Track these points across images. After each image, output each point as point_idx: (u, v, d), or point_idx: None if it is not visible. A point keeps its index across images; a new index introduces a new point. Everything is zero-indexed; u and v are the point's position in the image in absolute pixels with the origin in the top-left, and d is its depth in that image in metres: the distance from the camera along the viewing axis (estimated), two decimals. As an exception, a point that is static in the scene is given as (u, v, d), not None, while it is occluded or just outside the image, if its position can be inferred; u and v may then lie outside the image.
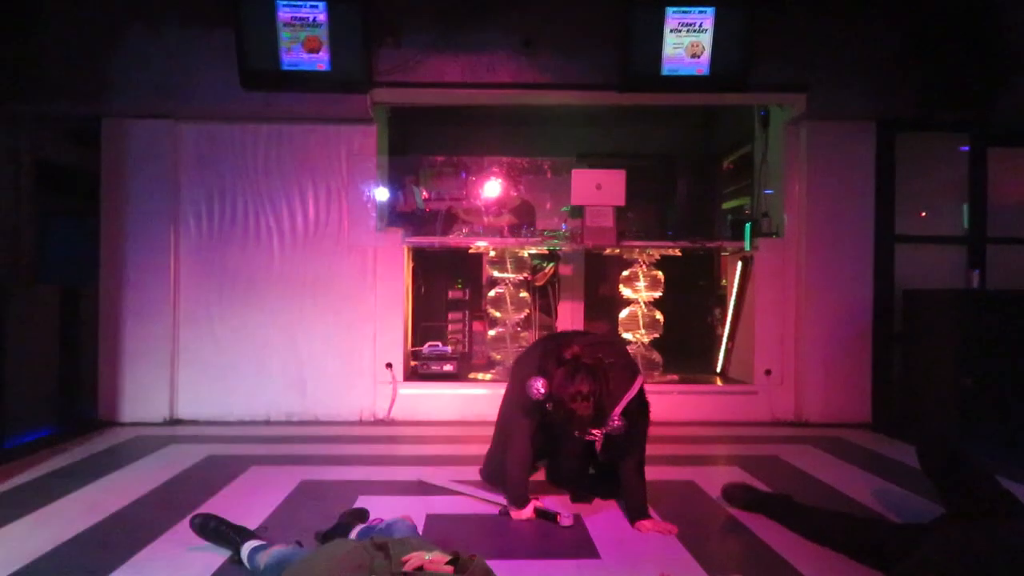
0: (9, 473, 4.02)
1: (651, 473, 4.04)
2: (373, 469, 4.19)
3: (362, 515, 3.05)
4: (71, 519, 3.23)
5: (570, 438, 3.25)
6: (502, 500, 3.45)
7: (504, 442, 3.50)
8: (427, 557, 2.03)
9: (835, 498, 3.65)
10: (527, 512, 3.31)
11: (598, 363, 3.10)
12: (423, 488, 3.78)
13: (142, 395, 5.48)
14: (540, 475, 3.87)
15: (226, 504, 3.49)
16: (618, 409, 3.14)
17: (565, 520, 3.22)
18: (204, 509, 3.34)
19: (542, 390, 3.13)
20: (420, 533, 2.92)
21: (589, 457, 3.57)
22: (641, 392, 3.31)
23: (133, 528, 3.13)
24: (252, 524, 3.07)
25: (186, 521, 2.95)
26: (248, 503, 3.49)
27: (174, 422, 5.48)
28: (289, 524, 3.19)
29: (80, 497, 3.60)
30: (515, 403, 3.43)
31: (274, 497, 3.60)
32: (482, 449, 3.88)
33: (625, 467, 3.35)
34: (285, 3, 5.21)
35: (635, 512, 3.27)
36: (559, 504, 3.47)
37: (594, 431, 3.15)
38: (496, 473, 3.63)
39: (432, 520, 3.26)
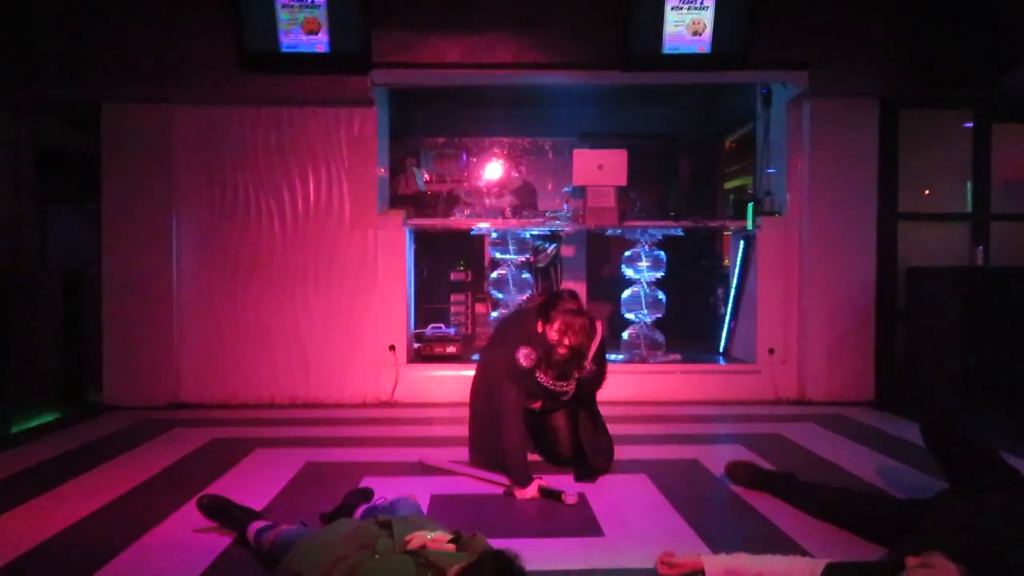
0: (15, 458, 4.04)
1: (655, 452, 4.11)
2: (377, 450, 4.20)
3: (367, 495, 3.06)
4: (77, 503, 3.24)
5: (551, 397, 3.58)
6: (503, 480, 3.46)
7: (494, 423, 3.57)
8: (429, 536, 2.04)
9: (838, 475, 3.66)
10: (532, 490, 3.33)
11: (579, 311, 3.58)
12: (425, 469, 3.79)
13: (146, 379, 5.49)
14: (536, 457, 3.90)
15: (231, 486, 3.50)
16: (590, 356, 3.57)
17: (570, 499, 3.23)
18: (210, 490, 3.35)
19: (532, 357, 3.48)
20: (424, 513, 2.93)
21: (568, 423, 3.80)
22: (604, 341, 3.73)
23: (139, 511, 3.15)
24: (258, 506, 3.08)
25: (192, 504, 2.96)
26: (253, 485, 3.51)
27: (178, 405, 5.50)
28: (294, 505, 3.20)
29: (85, 481, 3.61)
30: (502, 378, 3.57)
31: (279, 479, 3.62)
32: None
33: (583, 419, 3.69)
34: (283, -16, 5.18)
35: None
36: (561, 483, 3.48)
37: (567, 384, 3.53)
38: (488, 454, 3.66)
39: (436, 500, 3.27)
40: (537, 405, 3.72)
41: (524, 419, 3.63)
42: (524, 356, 3.49)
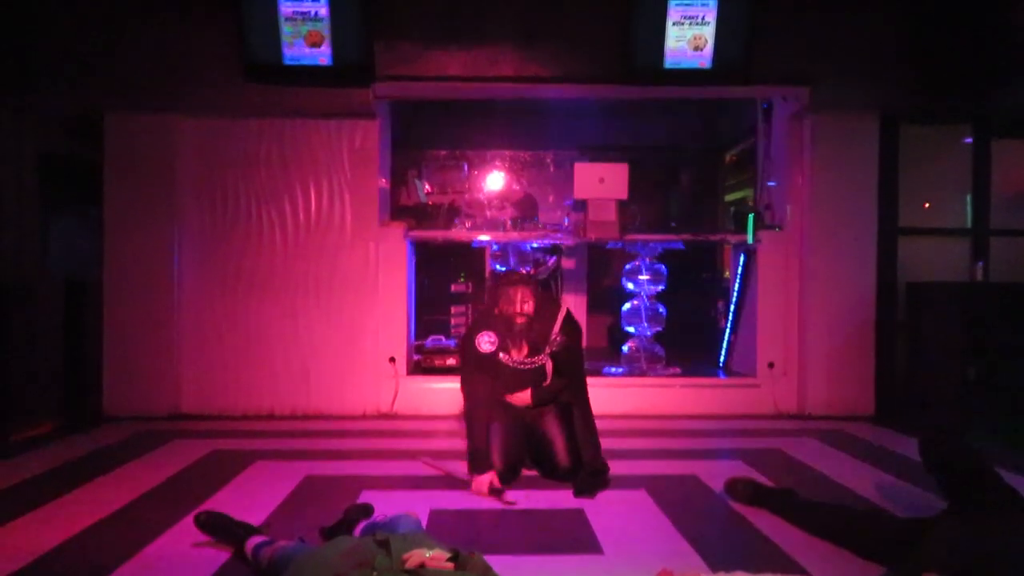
0: (15, 468, 4.03)
1: (654, 467, 4.11)
2: (377, 463, 4.20)
3: (367, 510, 3.05)
4: (75, 515, 3.24)
5: (526, 379, 3.81)
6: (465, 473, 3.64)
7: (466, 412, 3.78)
8: (428, 554, 2.04)
9: (838, 492, 3.66)
10: (487, 479, 3.50)
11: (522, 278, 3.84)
12: (425, 481, 3.79)
13: (146, 389, 5.49)
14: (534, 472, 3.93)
15: (231, 499, 3.50)
16: (556, 327, 3.78)
17: (510, 496, 3.41)
18: (209, 504, 3.36)
19: (493, 340, 3.74)
20: (424, 528, 2.93)
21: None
22: (569, 313, 3.89)
23: (138, 524, 3.14)
24: (257, 519, 3.09)
25: (191, 517, 2.96)
26: (253, 498, 3.51)
27: (178, 416, 5.50)
28: (293, 519, 3.20)
29: (84, 493, 3.61)
30: (467, 372, 3.82)
31: (279, 492, 3.61)
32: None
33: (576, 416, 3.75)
34: (287, -3, 5.21)
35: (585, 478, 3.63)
36: (559, 499, 3.48)
37: (538, 357, 3.78)
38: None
39: (435, 515, 3.27)
40: (526, 399, 3.85)
41: (516, 431, 3.77)
42: (484, 341, 3.74)
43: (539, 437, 3.87)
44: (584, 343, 4.17)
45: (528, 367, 3.84)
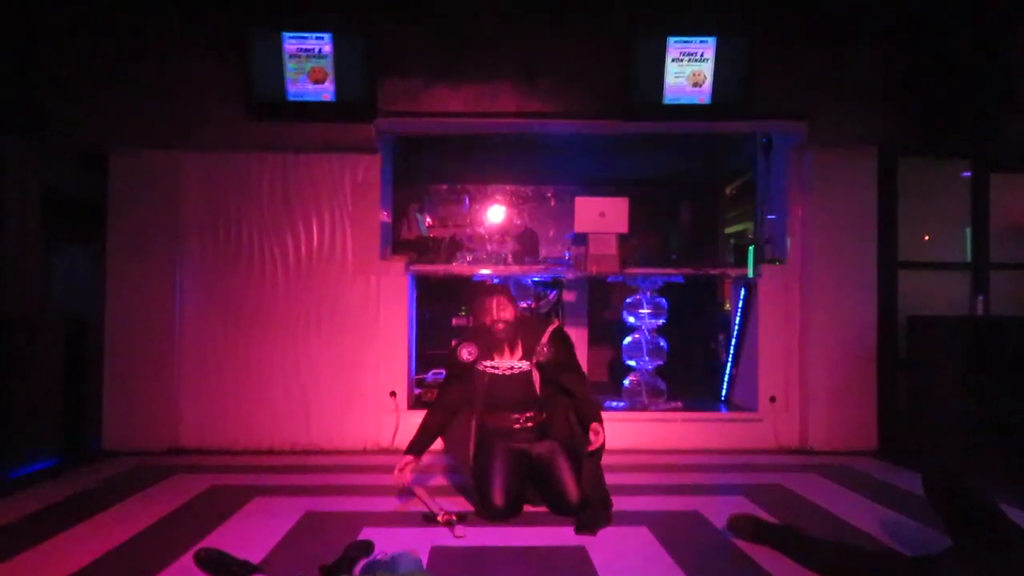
0: (13, 504, 4.02)
1: (656, 503, 4.08)
2: (377, 500, 4.17)
3: (367, 548, 3.03)
4: (73, 553, 3.21)
5: (516, 387, 3.92)
6: (451, 507, 3.76)
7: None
8: (428, 593, 2.03)
9: (841, 528, 3.63)
10: (409, 462, 3.81)
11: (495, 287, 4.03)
12: (424, 520, 3.76)
13: (146, 424, 5.48)
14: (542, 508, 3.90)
15: (229, 536, 3.47)
16: (545, 337, 3.93)
17: (459, 531, 3.46)
18: (207, 540, 3.33)
19: (472, 351, 3.92)
20: (424, 566, 2.91)
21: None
22: (560, 327, 4.06)
23: (136, 561, 3.12)
24: (256, 556, 3.07)
25: (190, 554, 2.94)
26: (252, 535, 3.48)
27: (178, 451, 5.47)
28: (293, 556, 3.18)
29: (82, 530, 3.59)
30: (446, 378, 4.08)
31: (278, 528, 3.59)
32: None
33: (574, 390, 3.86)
34: (291, 35, 5.28)
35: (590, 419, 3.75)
36: (560, 535, 3.45)
37: (524, 361, 3.92)
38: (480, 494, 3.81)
39: (436, 552, 3.24)
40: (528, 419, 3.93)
41: (516, 467, 3.82)
42: (465, 352, 3.94)
43: (547, 474, 3.85)
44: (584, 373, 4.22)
45: (516, 372, 3.93)
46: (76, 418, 5.49)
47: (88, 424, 5.52)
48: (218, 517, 3.77)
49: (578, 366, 4.08)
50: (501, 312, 3.89)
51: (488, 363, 3.97)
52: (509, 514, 3.73)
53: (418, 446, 3.93)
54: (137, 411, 5.47)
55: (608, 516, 3.68)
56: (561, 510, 3.77)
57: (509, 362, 3.95)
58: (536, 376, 3.96)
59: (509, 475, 3.79)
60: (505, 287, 4.11)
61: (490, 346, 3.95)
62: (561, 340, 4.01)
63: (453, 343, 4.13)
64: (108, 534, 3.48)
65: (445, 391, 4.06)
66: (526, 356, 3.97)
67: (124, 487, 4.43)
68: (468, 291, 7.09)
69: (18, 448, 4.84)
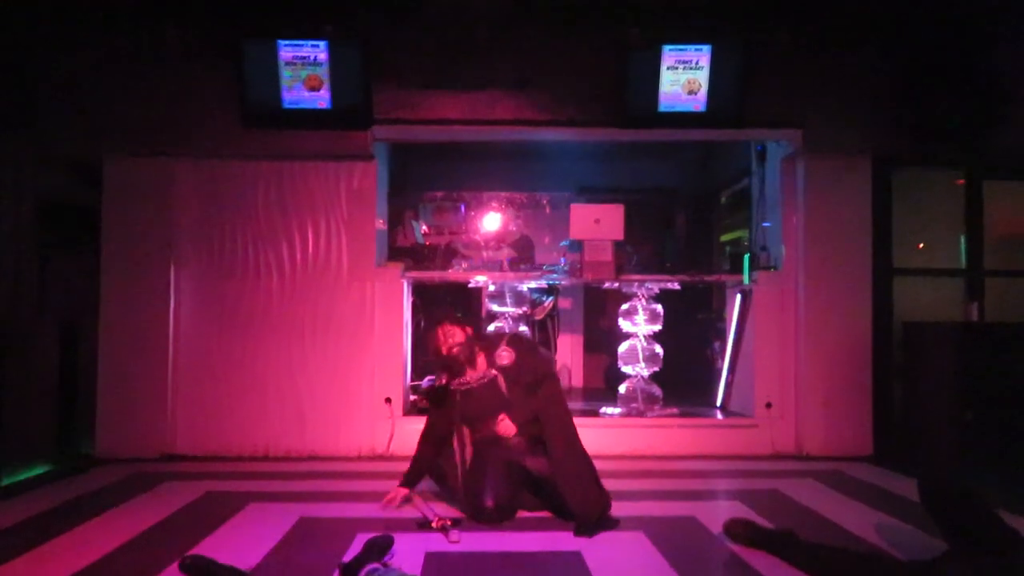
0: (6, 511, 3.99)
1: (652, 508, 4.07)
2: (373, 506, 4.14)
3: (386, 545, 3.06)
4: (65, 560, 3.19)
5: (489, 398, 3.92)
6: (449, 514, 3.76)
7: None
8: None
9: (838, 533, 3.63)
10: (402, 494, 3.95)
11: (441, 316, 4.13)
12: (418, 526, 3.75)
13: (140, 431, 5.46)
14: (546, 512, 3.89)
15: (224, 542, 3.45)
16: (502, 344, 4.00)
17: (438, 522, 3.56)
18: (201, 547, 3.32)
19: (443, 377, 4.04)
20: (419, 573, 2.90)
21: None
22: (517, 334, 4.12)
23: (129, 568, 3.10)
24: (250, 562, 3.05)
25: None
26: (246, 541, 3.46)
27: (172, 458, 5.45)
28: (287, 563, 3.16)
29: (74, 537, 3.56)
30: (429, 411, 4.16)
31: (272, 535, 3.57)
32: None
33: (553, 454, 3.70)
34: (287, 42, 5.29)
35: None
36: (556, 540, 3.45)
37: (486, 372, 3.95)
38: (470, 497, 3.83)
39: (431, 558, 3.23)
40: (509, 428, 3.88)
41: (509, 472, 3.83)
42: (427, 382, 4.13)
43: (547, 487, 3.82)
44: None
45: (485, 381, 3.97)
46: (69, 425, 5.47)
47: (82, 431, 5.49)
48: (212, 523, 3.75)
49: (544, 371, 3.99)
50: (449, 338, 3.98)
51: (458, 381, 4.02)
52: (500, 517, 3.74)
53: (411, 478, 4.04)
54: (131, 418, 5.45)
55: (609, 520, 3.69)
56: (564, 512, 3.76)
57: (477, 375, 4.01)
58: (502, 381, 3.98)
59: (500, 480, 3.80)
60: (447, 312, 4.24)
61: (454, 370, 4.03)
62: (519, 341, 4.14)
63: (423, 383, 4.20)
64: (101, 540, 3.46)
65: (429, 423, 4.13)
66: (490, 365, 4.02)
67: (118, 493, 4.41)
68: (464, 298, 7.11)
69: (11, 455, 4.82)
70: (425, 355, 6.71)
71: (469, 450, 3.98)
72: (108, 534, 3.57)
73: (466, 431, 4.01)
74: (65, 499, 4.29)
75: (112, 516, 3.94)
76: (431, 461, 4.06)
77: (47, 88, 5.46)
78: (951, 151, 5.74)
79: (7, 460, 4.77)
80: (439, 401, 4.08)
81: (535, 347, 4.20)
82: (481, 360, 4.04)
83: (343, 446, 5.57)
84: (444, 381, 4.05)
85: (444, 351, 4.00)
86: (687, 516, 3.95)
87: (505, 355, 3.99)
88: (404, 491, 3.99)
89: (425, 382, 6.04)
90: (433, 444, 4.06)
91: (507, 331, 4.26)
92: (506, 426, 3.88)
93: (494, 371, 3.99)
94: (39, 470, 4.99)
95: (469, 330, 4.10)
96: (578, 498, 3.63)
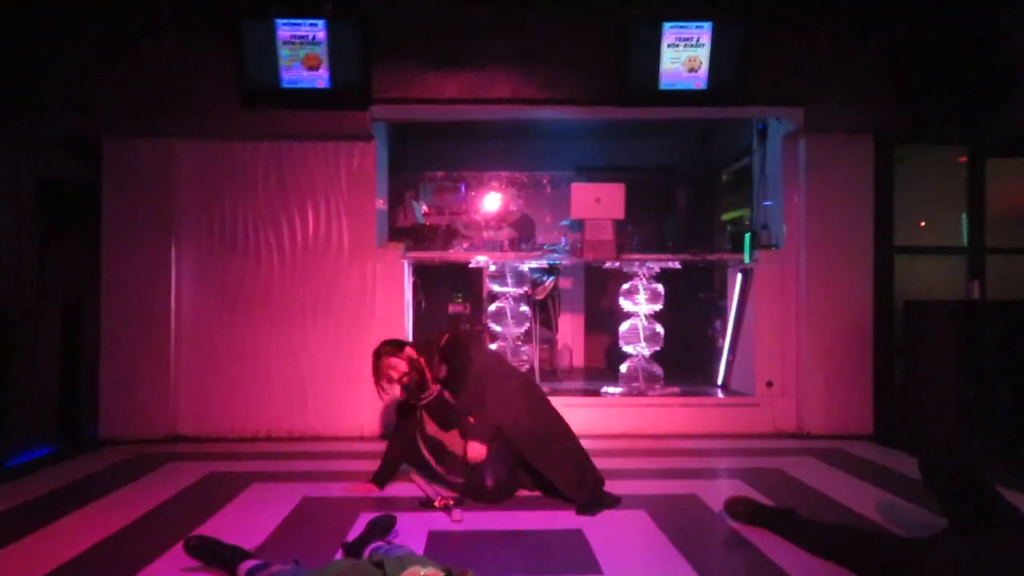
0: (10, 492, 4.02)
1: (654, 487, 4.09)
2: (374, 486, 4.17)
3: (389, 524, 3.07)
4: (70, 540, 3.22)
5: (443, 415, 3.94)
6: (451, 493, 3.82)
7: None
8: (422, 572, 2.05)
9: (838, 511, 3.65)
10: (370, 490, 3.94)
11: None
12: (423, 505, 3.77)
13: (143, 412, 5.48)
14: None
15: (227, 522, 3.48)
16: (436, 358, 3.94)
17: (440, 501, 3.63)
18: (205, 527, 3.35)
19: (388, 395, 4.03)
20: (422, 551, 2.92)
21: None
22: (449, 340, 3.99)
23: (132, 549, 3.12)
24: (254, 542, 3.07)
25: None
26: (250, 521, 3.48)
27: (175, 439, 5.48)
28: (290, 542, 3.18)
29: (79, 518, 3.59)
30: (397, 416, 4.13)
31: (276, 514, 3.59)
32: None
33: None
34: (285, 21, 5.25)
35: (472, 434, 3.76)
36: (558, 519, 3.47)
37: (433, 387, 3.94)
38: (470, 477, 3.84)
39: (434, 537, 3.25)
40: (480, 451, 3.78)
41: (506, 453, 3.81)
42: (399, 400, 4.09)
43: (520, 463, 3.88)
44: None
45: (433, 397, 3.94)
46: (73, 406, 5.49)
47: (85, 412, 5.51)
48: (216, 504, 3.78)
49: (477, 373, 3.89)
50: (391, 371, 3.91)
51: (417, 397, 3.99)
52: (500, 496, 3.78)
53: (381, 478, 4.03)
54: (134, 399, 5.47)
55: (611, 498, 3.73)
56: (552, 491, 3.80)
57: (430, 392, 3.96)
58: (448, 394, 3.96)
59: (497, 460, 3.80)
60: (384, 344, 4.03)
61: (409, 391, 3.96)
62: (451, 347, 3.98)
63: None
64: (106, 521, 3.48)
65: (398, 425, 4.11)
66: (435, 380, 3.98)
67: (122, 474, 4.44)
68: (465, 278, 7.11)
69: (15, 436, 4.84)
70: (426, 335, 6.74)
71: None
72: (114, 514, 3.59)
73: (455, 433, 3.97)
74: (70, 480, 4.32)
75: (117, 497, 3.96)
76: (400, 459, 4.09)
77: (45, 69, 5.42)
78: (954, 129, 5.71)
79: (11, 441, 4.80)
80: (404, 413, 4.08)
81: (466, 348, 4.01)
82: (427, 379, 3.97)
83: (345, 427, 5.59)
84: (405, 397, 4.02)
85: (400, 393, 3.99)
86: (688, 494, 3.97)
87: (441, 369, 3.96)
88: (373, 488, 3.99)
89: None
90: (402, 445, 4.06)
91: (444, 332, 4.11)
92: (475, 451, 3.75)
93: (437, 386, 3.96)
94: (44, 452, 5.01)
95: (409, 350, 3.97)
96: (560, 479, 3.71)
